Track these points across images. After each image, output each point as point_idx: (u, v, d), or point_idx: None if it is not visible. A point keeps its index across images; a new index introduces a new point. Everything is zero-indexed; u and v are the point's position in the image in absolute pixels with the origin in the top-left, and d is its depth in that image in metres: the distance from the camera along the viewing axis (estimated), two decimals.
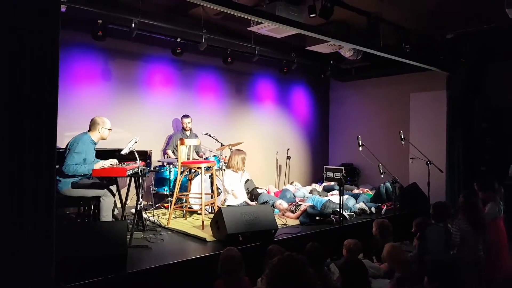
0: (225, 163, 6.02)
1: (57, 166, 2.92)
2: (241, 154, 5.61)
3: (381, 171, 5.87)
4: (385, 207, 5.95)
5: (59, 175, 3.97)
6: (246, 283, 2.96)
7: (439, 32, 6.42)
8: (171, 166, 5.90)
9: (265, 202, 5.79)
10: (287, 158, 8.42)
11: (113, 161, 4.38)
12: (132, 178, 4.38)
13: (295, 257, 1.87)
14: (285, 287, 1.77)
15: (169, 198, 5.66)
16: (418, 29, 6.29)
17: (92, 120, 4.36)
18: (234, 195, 5.51)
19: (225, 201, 5.53)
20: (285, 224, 4.98)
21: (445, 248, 3.68)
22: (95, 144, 4.33)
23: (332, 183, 7.89)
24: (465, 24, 6.05)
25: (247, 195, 6.13)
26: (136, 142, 4.25)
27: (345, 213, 5.24)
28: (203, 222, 4.70)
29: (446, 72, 6.86)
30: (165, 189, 5.94)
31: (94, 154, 4.34)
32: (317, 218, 5.08)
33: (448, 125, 6.90)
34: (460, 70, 6.73)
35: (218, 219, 4.13)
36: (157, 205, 5.98)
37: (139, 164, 4.20)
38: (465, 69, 6.70)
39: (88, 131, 4.32)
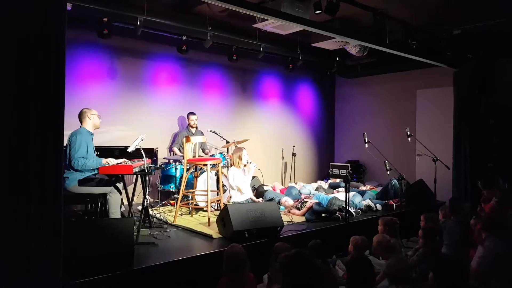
0: (230, 160, 6.04)
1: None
2: (237, 152, 5.63)
3: (387, 168, 5.85)
4: (393, 203, 5.93)
5: (67, 172, 4.01)
6: (251, 280, 2.95)
7: (445, 28, 6.36)
8: (177, 163, 5.92)
9: (271, 199, 5.79)
10: (292, 155, 8.41)
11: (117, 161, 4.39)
12: (139, 175, 4.40)
13: (306, 253, 1.92)
14: (299, 282, 1.81)
15: (175, 195, 5.68)
16: (424, 25, 6.24)
17: (79, 113, 4.36)
18: (240, 190, 5.51)
19: (230, 198, 5.53)
20: (291, 221, 4.98)
21: (462, 243, 3.69)
22: (92, 135, 4.35)
23: (338, 180, 7.85)
24: (472, 19, 5.99)
25: (253, 192, 6.13)
26: (142, 140, 4.27)
27: (351, 210, 5.23)
28: (209, 219, 4.72)
29: (453, 68, 6.80)
30: (171, 186, 5.97)
31: (93, 146, 4.36)
32: (323, 215, 5.08)
33: (454, 121, 6.85)
34: (467, 66, 6.67)
35: (224, 216, 4.14)
36: (163, 202, 6.01)
37: (145, 161, 4.23)
38: (472, 65, 6.63)
39: (81, 126, 4.33)
